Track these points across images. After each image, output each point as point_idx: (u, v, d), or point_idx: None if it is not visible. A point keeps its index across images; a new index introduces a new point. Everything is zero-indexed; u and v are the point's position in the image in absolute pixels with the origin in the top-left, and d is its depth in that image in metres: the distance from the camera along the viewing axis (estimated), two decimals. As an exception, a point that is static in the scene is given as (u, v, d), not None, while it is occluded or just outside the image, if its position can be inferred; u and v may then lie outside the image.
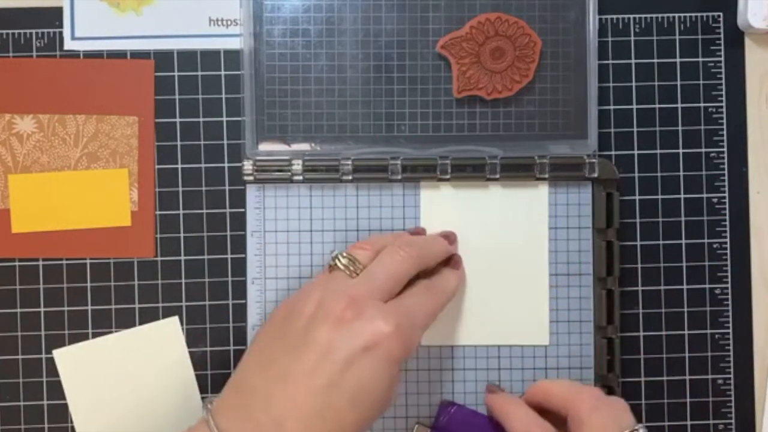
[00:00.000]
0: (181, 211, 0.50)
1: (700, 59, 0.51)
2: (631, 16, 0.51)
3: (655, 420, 0.50)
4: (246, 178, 0.49)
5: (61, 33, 0.50)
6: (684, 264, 0.51)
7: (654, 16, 0.51)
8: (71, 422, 0.49)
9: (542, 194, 0.50)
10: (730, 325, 0.51)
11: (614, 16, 0.51)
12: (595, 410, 0.43)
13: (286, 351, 0.40)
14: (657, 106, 0.51)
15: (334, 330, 0.40)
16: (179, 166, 0.50)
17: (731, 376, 0.51)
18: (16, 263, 0.50)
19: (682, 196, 0.51)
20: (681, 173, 0.51)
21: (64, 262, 0.50)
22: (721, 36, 0.51)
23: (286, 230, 0.50)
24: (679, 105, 0.51)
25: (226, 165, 0.50)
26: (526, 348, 0.50)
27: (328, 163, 0.49)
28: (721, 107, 0.51)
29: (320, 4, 0.49)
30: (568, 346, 0.50)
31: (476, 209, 0.50)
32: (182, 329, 0.50)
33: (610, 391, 0.49)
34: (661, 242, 0.51)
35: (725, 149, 0.51)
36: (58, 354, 0.50)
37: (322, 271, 0.46)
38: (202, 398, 0.49)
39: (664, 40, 0.51)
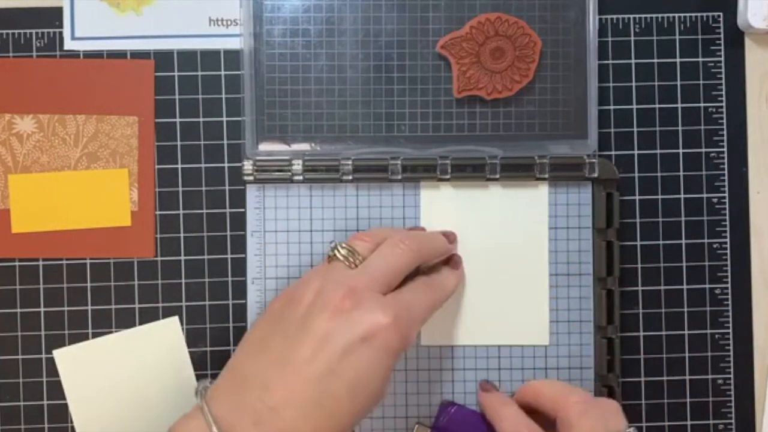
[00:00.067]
0: (181, 211, 0.50)
1: (700, 59, 0.51)
2: (631, 16, 0.51)
3: (655, 420, 0.50)
4: (246, 178, 0.49)
5: (61, 33, 0.50)
6: (684, 264, 0.51)
7: (654, 16, 0.51)
8: (71, 422, 0.49)
9: (542, 194, 0.50)
10: (730, 325, 0.51)
11: (614, 16, 0.51)
12: (584, 413, 0.42)
13: (284, 339, 0.40)
14: (657, 106, 0.51)
15: (332, 319, 0.40)
16: (179, 166, 0.50)
17: (731, 376, 0.51)
18: (16, 263, 0.50)
19: (682, 196, 0.51)
20: (681, 173, 0.51)
21: (64, 262, 0.50)
22: (721, 36, 0.51)
23: (286, 230, 0.50)
24: (679, 105, 0.51)
25: (226, 165, 0.50)
26: (526, 348, 0.50)
27: (328, 163, 0.49)
28: (721, 107, 0.51)
29: (320, 4, 0.50)
30: (568, 346, 0.50)
31: (476, 209, 0.50)
32: (182, 329, 0.50)
33: (610, 391, 0.49)
34: (661, 242, 0.51)
35: (725, 149, 0.51)
36: (58, 354, 0.50)
37: (321, 262, 0.46)
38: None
39: (664, 40, 0.51)
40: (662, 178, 0.51)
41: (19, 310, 0.50)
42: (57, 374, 0.49)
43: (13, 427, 0.49)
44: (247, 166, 0.49)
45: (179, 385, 0.49)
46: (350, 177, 0.49)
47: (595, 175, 0.49)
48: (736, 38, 0.51)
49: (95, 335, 0.50)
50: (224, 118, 0.50)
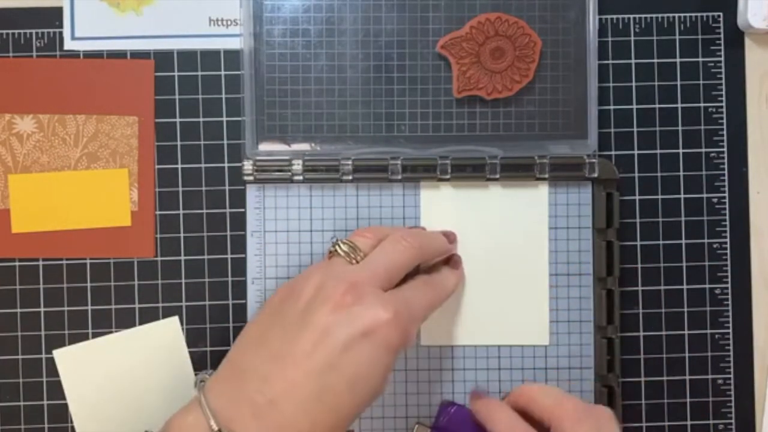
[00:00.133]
0: (181, 211, 0.50)
1: (700, 59, 0.51)
2: (631, 16, 0.51)
3: (655, 420, 0.50)
4: (246, 178, 0.49)
5: (61, 33, 0.50)
6: (684, 264, 0.51)
7: (654, 16, 0.51)
8: (71, 422, 0.49)
9: (542, 194, 0.50)
10: (730, 325, 0.51)
11: (614, 16, 0.51)
12: (578, 422, 0.42)
13: (284, 332, 0.40)
14: (657, 106, 0.51)
15: (332, 313, 0.39)
16: (179, 166, 0.50)
17: (731, 376, 0.51)
18: (16, 263, 0.50)
19: (682, 196, 0.51)
20: (681, 173, 0.51)
21: (64, 262, 0.50)
22: (721, 36, 0.51)
23: (286, 230, 0.50)
24: (679, 105, 0.51)
25: (226, 165, 0.50)
26: (526, 348, 0.50)
27: (328, 163, 0.49)
28: (721, 107, 0.51)
29: (320, 4, 0.50)
30: (568, 346, 0.50)
31: (476, 209, 0.50)
32: (182, 329, 0.50)
33: (610, 391, 0.49)
34: (661, 242, 0.51)
35: (725, 149, 0.51)
36: (58, 354, 0.50)
37: (322, 259, 0.46)
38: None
39: (664, 40, 0.51)
40: (662, 178, 0.51)
41: (19, 310, 0.50)
42: (57, 374, 0.49)
43: (13, 427, 0.49)
44: (247, 166, 0.49)
45: (179, 385, 0.49)
46: (350, 177, 0.49)
47: (595, 175, 0.49)
48: (736, 38, 0.51)
49: (95, 335, 0.50)
50: (224, 118, 0.50)
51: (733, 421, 0.51)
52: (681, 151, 0.51)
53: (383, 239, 0.44)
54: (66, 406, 0.49)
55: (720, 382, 0.51)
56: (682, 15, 0.51)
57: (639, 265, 0.51)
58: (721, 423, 0.51)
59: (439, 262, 0.48)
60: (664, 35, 0.51)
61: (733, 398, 0.51)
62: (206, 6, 0.50)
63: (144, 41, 0.50)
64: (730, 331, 0.51)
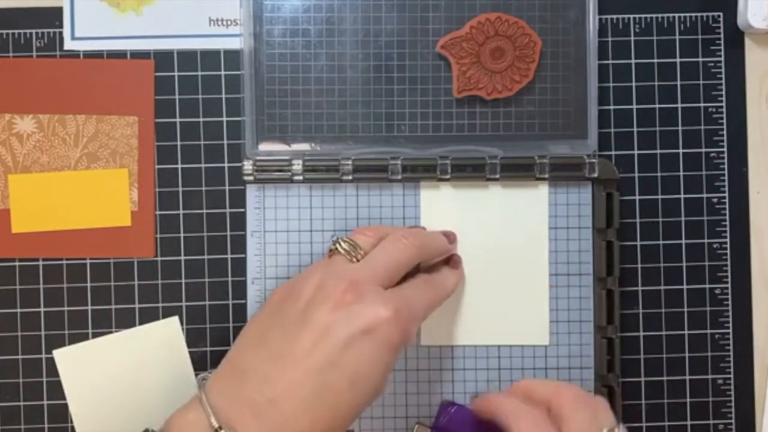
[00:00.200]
0: (181, 211, 0.50)
1: (700, 59, 0.51)
2: (631, 16, 0.51)
3: (655, 420, 0.50)
4: (246, 178, 0.49)
5: (61, 33, 0.50)
6: (684, 264, 0.51)
7: (654, 16, 0.51)
8: (71, 422, 0.49)
9: (542, 194, 0.50)
10: (730, 325, 0.51)
11: (614, 16, 0.51)
12: (576, 407, 0.42)
13: (284, 331, 0.40)
14: (657, 106, 0.51)
15: (333, 312, 0.39)
16: (179, 166, 0.50)
17: (731, 376, 0.51)
18: (16, 263, 0.50)
19: (682, 196, 0.51)
20: (681, 173, 0.51)
21: (64, 262, 0.50)
22: (721, 36, 0.51)
23: (286, 230, 0.50)
24: (679, 105, 0.51)
25: (226, 165, 0.50)
26: (526, 348, 0.50)
27: (328, 163, 0.49)
28: (721, 107, 0.51)
29: (320, 4, 0.49)
30: (568, 346, 0.50)
31: (476, 209, 0.50)
32: (182, 329, 0.50)
33: (610, 391, 0.49)
34: (661, 242, 0.51)
35: (725, 149, 0.51)
36: (58, 354, 0.50)
37: (323, 257, 0.46)
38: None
39: (664, 40, 0.51)
40: (662, 178, 0.51)
41: (19, 310, 0.50)
42: (57, 374, 0.49)
43: (13, 427, 0.49)
44: (247, 166, 0.49)
45: (179, 385, 0.49)
46: (350, 177, 0.49)
47: (595, 175, 0.49)
48: (736, 38, 0.51)
49: (95, 335, 0.50)
50: (224, 118, 0.50)
51: (733, 421, 0.51)
52: (681, 151, 0.51)
53: (384, 238, 0.44)
54: (66, 406, 0.49)
55: (720, 382, 0.51)
56: (682, 15, 0.51)
57: (639, 265, 0.51)
58: (721, 423, 0.51)
59: (439, 261, 0.48)
60: (664, 35, 0.51)
61: (733, 398, 0.51)
62: (206, 6, 0.50)
63: (144, 41, 0.50)
64: (730, 331, 0.51)
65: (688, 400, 0.51)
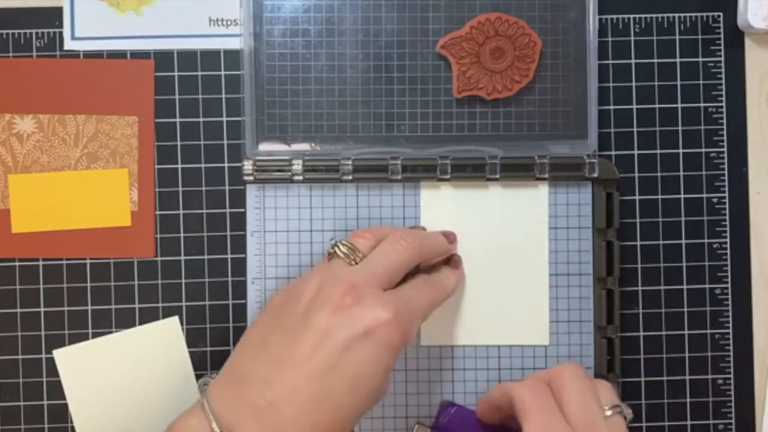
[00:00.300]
0: (181, 211, 0.50)
1: (700, 59, 0.51)
2: (631, 16, 0.51)
3: (655, 420, 0.50)
4: (246, 178, 0.49)
5: (61, 33, 0.50)
6: (684, 264, 0.51)
7: (654, 16, 0.51)
8: (71, 422, 0.49)
9: (542, 194, 0.50)
10: (730, 325, 0.51)
11: (614, 16, 0.51)
12: (575, 375, 0.42)
13: (284, 335, 0.40)
14: (657, 106, 0.51)
15: (332, 315, 0.39)
16: (179, 166, 0.50)
17: (731, 376, 0.51)
18: (16, 263, 0.50)
19: (682, 196, 0.51)
20: (681, 173, 0.51)
21: (64, 262, 0.50)
22: (721, 36, 0.51)
23: (286, 230, 0.50)
24: (679, 105, 0.51)
25: (226, 165, 0.50)
26: (526, 348, 0.50)
27: (328, 163, 0.49)
28: (721, 107, 0.51)
29: (320, 4, 0.49)
30: (568, 346, 0.50)
31: (476, 209, 0.50)
32: (182, 329, 0.50)
33: (610, 391, 0.49)
34: (661, 242, 0.51)
35: (725, 149, 0.51)
36: (58, 354, 0.50)
37: (321, 261, 0.46)
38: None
39: (664, 40, 0.51)
40: (662, 178, 0.51)
41: (19, 310, 0.50)
42: (57, 374, 0.49)
43: (13, 427, 0.49)
44: (247, 166, 0.49)
45: (179, 385, 0.49)
46: (350, 177, 0.49)
47: (595, 175, 0.49)
48: (736, 38, 0.51)
49: (95, 335, 0.50)
50: (224, 118, 0.50)
51: (733, 421, 0.51)
52: (681, 151, 0.51)
53: (382, 240, 0.44)
54: (66, 406, 0.49)
55: (720, 382, 0.51)
56: (682, 15, 0.51)
57: (639, 265, 0.51)
58: (721, 423, 0.51)
59: (439, 262, 0.48)
60: (664, 35, 0.51)
61: (733, 398, 0.51)
62: (206, 6, 0.50)
63: (144, 41, 0.50)
64: (730, 331, 0.51)
65: (688, 400, 0.51)
